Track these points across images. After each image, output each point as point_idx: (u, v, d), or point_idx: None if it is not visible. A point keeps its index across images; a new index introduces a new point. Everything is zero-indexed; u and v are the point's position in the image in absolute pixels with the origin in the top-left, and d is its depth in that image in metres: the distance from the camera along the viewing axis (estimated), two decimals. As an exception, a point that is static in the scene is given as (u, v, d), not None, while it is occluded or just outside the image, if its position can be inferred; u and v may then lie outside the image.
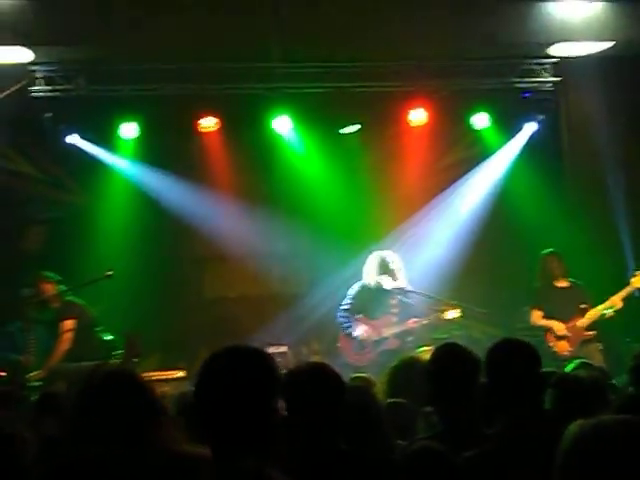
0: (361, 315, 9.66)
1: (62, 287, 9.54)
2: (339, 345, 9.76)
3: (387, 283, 9.60)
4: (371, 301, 9.67)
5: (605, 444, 1.98)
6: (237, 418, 2.71)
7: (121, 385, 3.38)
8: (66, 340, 9.25)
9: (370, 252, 9.78)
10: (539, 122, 11.33)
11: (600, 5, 9.97)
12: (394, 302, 9.67)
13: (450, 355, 4.27)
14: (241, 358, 2.83)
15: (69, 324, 9.31)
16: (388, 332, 9.60)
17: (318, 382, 3.59)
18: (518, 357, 3.90)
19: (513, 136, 11.55)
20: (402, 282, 9.69)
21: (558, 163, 11.36)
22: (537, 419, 3.74)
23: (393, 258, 9.71)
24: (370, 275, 9.68)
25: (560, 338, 9.57)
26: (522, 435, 3.68)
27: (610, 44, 10.20)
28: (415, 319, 9.65)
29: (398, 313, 9.67)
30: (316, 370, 3.70)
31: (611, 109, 11.03)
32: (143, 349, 8.73)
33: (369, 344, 9.59)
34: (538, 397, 3.88)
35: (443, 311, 9.85)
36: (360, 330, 9.61)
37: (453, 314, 9.83)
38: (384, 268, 9.63)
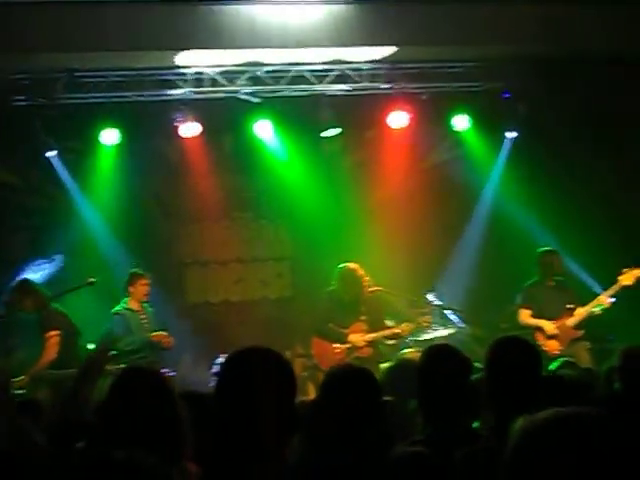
0: (332, 324, 9.68)
1: (46, 293, 9.46)
2: (312, 352, 9.79)
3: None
4: (341, 308, 9.69)
5: (551, 438, 1.96)
6: (262, 416, 2.72)
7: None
8: (51, 351, 9.15)
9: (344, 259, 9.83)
10: (518, 124, 11.37)
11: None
12: (363, 309, 9.70)
13: (440, 356, 4.26)
14: (263, 359, 2.84)
15: (54, 334, 9.19)
16: (360, 339, 9.63)
17: (356, 382, 3.59)
18: (522, 355, 3.89)
19: (494, 137, 11.58)
20: (368, 290, 9.72)
21: (539, 163, 11.39)
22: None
23: (357, 268, 9.72)
24: (339, 285, 9.71)
25: (550, 337, 9.57)
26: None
27: (392, 49, 9.98)
28: (389, 327, 9.71)
29: (367, 320, 9.71)
30: (355, 371, 3.73)
31: (584, 111, 11.13)
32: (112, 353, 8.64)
33: (342, 351, 9.62)
34: (535, 396, 3.88)
35: (417, 320, 9.93)
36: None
37: (424, 323, 9.93)
38: (353, 278, 9.67)
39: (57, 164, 10.86)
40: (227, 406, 2.77)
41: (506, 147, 11.60)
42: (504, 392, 3.83)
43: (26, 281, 9.50)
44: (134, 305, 9.76)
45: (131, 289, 9.79)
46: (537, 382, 3.89)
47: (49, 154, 10.74)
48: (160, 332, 9.59)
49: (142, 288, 9.77)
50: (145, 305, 9.87)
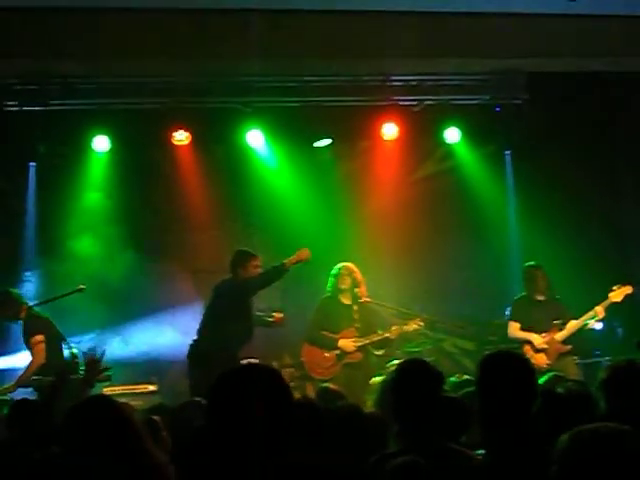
0: (325, 330, 9.74)
1: (25, 301, 9.38)
2: (302, 359, 9.82)
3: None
4: (334, 314, 9.76)
5: (602, 451, 1.97)
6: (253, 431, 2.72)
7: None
8: (39, 356, 9.07)
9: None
10: (509, 137, 11.40)
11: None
12: (356, 317, 9.73)
13: (412, 370, 4.27)
14: (257, 375, 2.84)
15: (39, 339, 9.12)
16: (350, 344, 9.65)
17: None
18: (513, 370, 3.88)
19: (484, 150, 11.59)
20: (364, 294, 9.79)
21: (529, 177, 11.42)
22: (527, 432, 3.75)
23: (355, 269, 9.79)
24: (334, 288, 9.79)
25: (538, 351, 9.59)
26: (512, 451, 3.69)
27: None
28: (378, 333, 9.73)
29: (360, 327, 9.75)
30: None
31: (575, 126, 11.18)
32: (104, 365, 8.70)
33: (332, 357, 9.65)
34: (529, 410, 3.87)
35: (406, 323, 9.94)
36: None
37: (414, 326, 9.93)
38: (348, 280, 9.73)
39: (32, 177, 10.85)
40: (219, 422, 2.77)
41: (508, 164, 11.61)
42: (496, 407, 3.82)
43: (3, 292, 9.40)
44: None
45: (241, 270, 9.46)
46: (531, 397, 3.88)
47: (31, 164, 10.72)
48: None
49: (254, 270, 9.42)
50: None
